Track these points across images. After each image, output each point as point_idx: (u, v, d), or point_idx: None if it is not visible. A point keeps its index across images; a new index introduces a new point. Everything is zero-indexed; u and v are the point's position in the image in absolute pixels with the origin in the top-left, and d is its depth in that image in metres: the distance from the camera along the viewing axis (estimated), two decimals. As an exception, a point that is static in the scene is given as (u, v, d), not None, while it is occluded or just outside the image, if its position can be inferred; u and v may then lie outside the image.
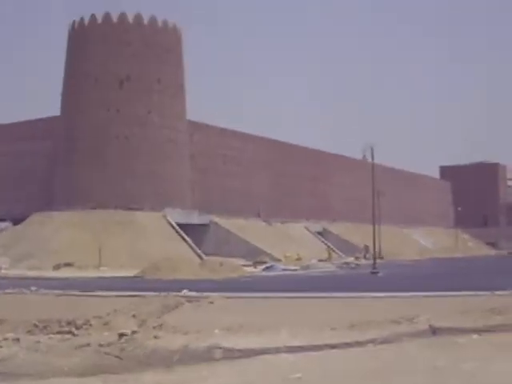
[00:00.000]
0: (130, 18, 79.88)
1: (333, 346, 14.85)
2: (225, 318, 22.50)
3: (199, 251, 72.60)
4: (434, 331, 16.40)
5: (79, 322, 20.43)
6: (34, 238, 72.61)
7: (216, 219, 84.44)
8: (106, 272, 58.49)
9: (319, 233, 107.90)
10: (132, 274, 52.29)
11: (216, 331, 18.58)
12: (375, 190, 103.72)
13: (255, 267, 65.94)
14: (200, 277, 49.26)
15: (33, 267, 63.26)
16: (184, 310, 25.91)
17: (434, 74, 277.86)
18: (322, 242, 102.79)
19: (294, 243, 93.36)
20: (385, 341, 15.53)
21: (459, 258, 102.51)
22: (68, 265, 63.66)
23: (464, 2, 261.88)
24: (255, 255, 76.91)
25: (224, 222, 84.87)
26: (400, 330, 17.14)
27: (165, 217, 76.81)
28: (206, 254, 72.66)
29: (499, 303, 21.24)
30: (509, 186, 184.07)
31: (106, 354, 13.91)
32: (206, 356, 13.62)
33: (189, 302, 29.02)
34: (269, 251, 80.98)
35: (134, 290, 34.48)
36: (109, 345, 15.01)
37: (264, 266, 64.14)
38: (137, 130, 78.30)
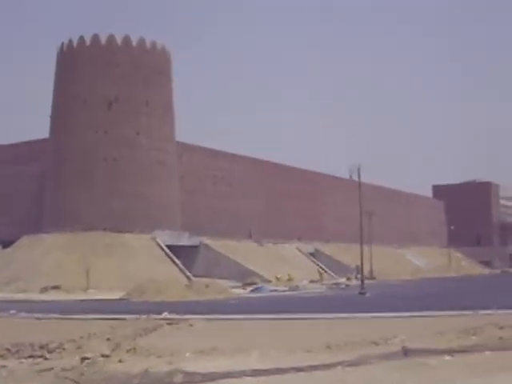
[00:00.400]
0: (119, 39, 79.84)
1: (299, 369, 14.53)
2: (201, 340, 22.25)
3: (188, 273, 72.17)
4: (406, 353, 16.11)
5: (52, 346, 20.17)
6: (22, 260, 72.12)
7: (206, 241, 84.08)
8: (94, 295, 58.02)
9: (311, 253, 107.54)
10: (118, 297, 51.86)
11: (187, 354, 18.32)
12: (364, 209, 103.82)
13: (244, 289, 65.54)
14: (186, 299, 48.89)
15: (20, 290, 62.82)
16: (162, 333, 25.61)
17: (428, 93, 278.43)
18: (314, 262, 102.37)
19: (286, 264, 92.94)
20: (353, 363, 15.23)
21: (451, 277, 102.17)
22: (55, 287, 63.12)
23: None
24: (246, 276, 76.55)
25: (214, 243, 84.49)
26: (372, 351, 16.87)
27: (154, 239, 76.43)
28: (197, 276, 72.20)
29: (479, 323, 20.97)
30: (502, 205, 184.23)
31: (65, 378, 13.58)
32: (166, 380, 13.31)
33: (169, 324, 28.74)
34: (260, 272, 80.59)
35: (116, 313, 34.10)
36: (72, 369, 14.72)
37: (252, 288, 63.76)
38: (125, 151, 78.05)
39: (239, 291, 62.05)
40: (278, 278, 79.73)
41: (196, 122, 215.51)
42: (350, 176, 60.27)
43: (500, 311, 29.55)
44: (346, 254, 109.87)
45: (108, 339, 21.56)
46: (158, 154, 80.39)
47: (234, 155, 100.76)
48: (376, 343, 18.63)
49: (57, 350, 19.44)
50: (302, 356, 17.00)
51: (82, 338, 21.30)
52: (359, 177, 58.94)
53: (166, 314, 31.19)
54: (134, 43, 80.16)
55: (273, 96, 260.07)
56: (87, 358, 15.18)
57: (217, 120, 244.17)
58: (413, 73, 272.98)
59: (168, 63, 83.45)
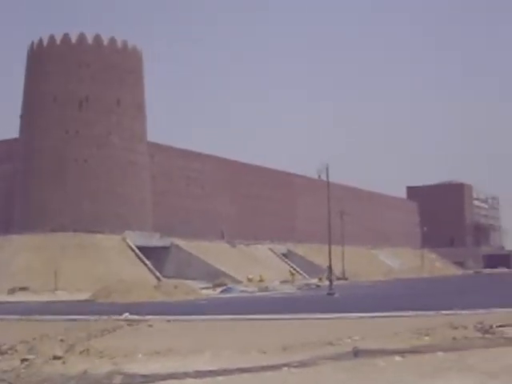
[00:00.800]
0: (90, 38, 79.30)
1: (245, 370, 14.32)
2: (158, 341, 22.06)
3: (158, 274, 71.79)
4: (356, 353, 15.93)
5: (4, 348, 19.84)
6: (-9, 261, 71.43)
7: (177, 242, 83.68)
8: (61, 296, 57.49)
9: (284, 254, 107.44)
10: (84, 298, 51.40)
11: (140, 356, 18.11)
12: (336, 209, 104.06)
13: (214, 290, 65.24)
14: (154, 300, 48.52)
15: (-12, 291, 62.15)
16: (120, 334, 25.34)
17: (405, 94, 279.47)
18: (286, 263, 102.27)
19: (258, 265, 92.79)
20: (302, 364, 15.04)
21: (424, 278, 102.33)
22: (23, 289, 62.50)
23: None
24: (217, 277, 76.25)
25: (186, 244, 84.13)
26: (324, 352, 16.69)
27: (124, 239, 75.95)
28: (168, 277, 71.87)
29: (436, 323, 20.87)
30: (475, 206, 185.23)
31: (1, 380, 13.29)
32: (104, 382, 13.04)
33: (129, 325, 28.49)
34: (231, 273, 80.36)
35: (79, 314, 33.81)
36: (12, 370, 14.43)
37: (222, 289, 63.49)
38: (96, 151, 77.52)
39: (209, 292, 61.76)
40: (249, 279, 79.52)
41: (170, 122, 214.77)
42: (319, 176, 60.11)
43: (462, 311, 29.61)
44: (319, 254, 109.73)
45: (61, 340, 21.28)
46: (130, 154, 79.91)
47: (207, 156, 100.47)
48: (331, 344, 18.48)
49: (9, 352, 19.13)
50: (255, 357, 16.82)
51: (34, 339, 20.97)
52: (327, 176, 58.83)
53: (126, 315, 30.89)
54: (105, 42, 79.64)
55: (249, 96, 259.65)
56: (26, 360, 14.86)
57: (191, 121, 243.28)
58: (389, 73, 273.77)
59: (139, 63, 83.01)
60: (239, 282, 75.81)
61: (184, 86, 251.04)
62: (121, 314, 31.86)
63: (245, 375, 13.94)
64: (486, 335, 18.32)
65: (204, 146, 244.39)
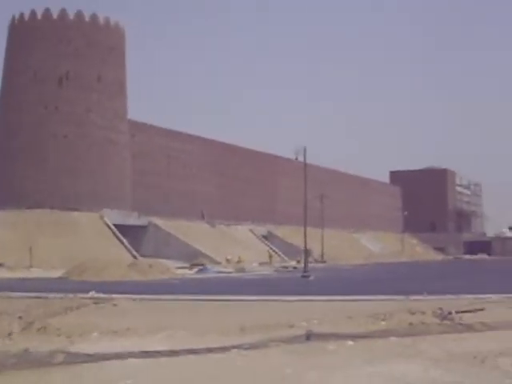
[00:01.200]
0: (71, 15, 78.55)
1: (192, 352, 14.12)
2: (119, 320, 21.89)
3: (135, 253, 71.57)
4: (309, 337, 15.76)
5: (-40, 324, 19.62)
6: (-33, 237, 70.93)
7: (156, 221, 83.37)
8: (36, 273, 57.16)
9: (264, 236, 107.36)
10: (58, 275, 51.10)
11: (94, 334, 17.93)
12: (317, 192, 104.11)
13: (191, 269, 65.09)
14: (128, 279, 48.25)
15: (-38, 267, 61.72)
16: (82, 312, 25.10)
17: (385, 79, 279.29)
18: (266, 245, 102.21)
19: (238, 246, 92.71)
20: (253, 346, 14.86)
21: (403, 262, 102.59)
22: (-2, 265, 62.17)
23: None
24: (195, 257, 76.18)
25: (164, 223, 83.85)
26: (279, 334, 16.52)
27: (102, 217, 75.60)
28: (145, 256, 71.63)
29: (398, 308, 20.76)
30: (458, 193, 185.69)
31: None
32: (45, 360, 12.79)
33: (95, 303, 28.32)
34: (210, 253, 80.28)
35: (48, 291, 33.52)
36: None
37: (197, 269, 63.35)
38: (75, 128, 77.03)
39: (185, 272, 61.59)
40: (228, 260, 79.49)
41: (154, 101, 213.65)
42: (296, 157, 59.91)
43: (430, 297, 29.55)
44: (299, 236, 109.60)
45: (20, 317, 21.06)
46: (110, 132, 79.43)
47: (188, 135, 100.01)
48: (289, 326, 18.31)
49: (-35, 328, 18.92)
50: (209, 338, 16.62)
51: (-9, 316, 20.75)
52: (304, 158, 58.64)
53: (92, 293, 30.70)
54: (87, 19, 78.92)
55: (233, 76, 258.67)
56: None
57: (175, 99, 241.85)
58: (374, 62, 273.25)
59: (122, 40, 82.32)
60: (217, 263, 75.77)
61: (171, 67, 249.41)
62: (87, 292, 31.71)
63: (191, 356, 13.74)
64: (444, 321, 18.20)
65: (188, 126, 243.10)
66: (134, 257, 69.11)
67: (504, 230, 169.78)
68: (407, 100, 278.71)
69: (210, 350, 14.30)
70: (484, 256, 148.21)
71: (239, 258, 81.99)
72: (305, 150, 56.62)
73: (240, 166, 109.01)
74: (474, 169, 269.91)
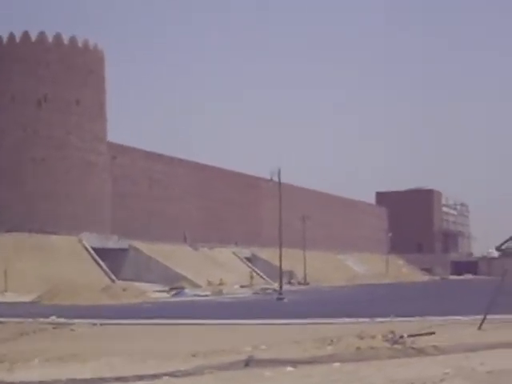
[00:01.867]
0: (50, 37, 78.27)
1: (121, 379, 13.68)
2: (69, 345, 21.67)
3: (113, 277, 70.88)
4: (248, 363, 15.31)
5: None
6: None
7: (136, 244, 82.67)
8: (9, 297, 56.51)
9: (248, 258, 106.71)
10: (30, 299, 50.50)
11: (36, 361, 17.61)
12: (299, 214, 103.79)
13: (169, 293, 64.50)
14: (100, 302, 47.75)
15: None
16: (37, 338, 24.83)
17: (368, 99, 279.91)
18: (249, 267, 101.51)
19: (221, 268, 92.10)
20: (185, 373, 14.42)
21: (387, 284, 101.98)
22: (-25, 289, 61.48)
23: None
24: (175, 281, 75.45)
25: (144, 247, 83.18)
26: (219, 360, 16.08)
27: (81, 241, 74.95)
28: (125, 280, 71.05)
29: (355, 331, 20.32)
30: (444, 213, 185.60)
31: None
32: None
33: (54, 328, 28.00)
34: (191, 277, 79.61)
35: (14, 316, 33.16)
36: None
37: (174, 292, 62.79)
38: (54, 151, 76.52)
39: (163, 295, 61.02)
40: (209, 283, 78.92)
41: (136, 124, 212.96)
42: (271, 178, 59.69)
43: (396, 319, 29.13)
44: (284, 259, 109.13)
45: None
46: (89, 154, 78.93)
47: (171, 158, 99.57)
48: (237, 352, 17.86)
49: None
50: (150, 364, 16.24)
51: None
52: (279, 178, 58.45)
53: (53, 318, 30.24)
54: (66, 41, 78.66)
55: (217, 96, 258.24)
56: None
57: (157, 122, 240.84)
58: (351, 73, 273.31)
59: (101, 63, 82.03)
60: (198, 286, 75.13)
61: (154, 89, 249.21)
62: (59, 317, 31.53)
63: (118, 384, 13.33)
64: (395, 345, 17.76)
65: (171, 149, 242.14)
66: (113, 281, 68.43)
67: (490, 250, 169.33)
68: (394, 121, 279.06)
69: (140, 378, 13.87)
70: (470, 276, 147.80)
71: (221, 280, 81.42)
72: (279, 172, 56.40)
73: (223, 188, 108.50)
74: (461, 189, 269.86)
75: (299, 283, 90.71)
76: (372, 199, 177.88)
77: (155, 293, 61.75)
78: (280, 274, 61.08)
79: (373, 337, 18.34)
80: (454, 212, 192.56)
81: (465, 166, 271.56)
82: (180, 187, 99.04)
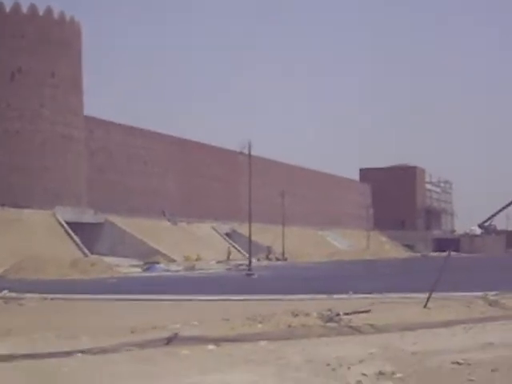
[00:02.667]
0: (25, 8, 77.16)
1: (31, 356, 13.27)
2: (11, 320, 21.30)
3: (87, 251, 70.36)
4: (169, 340, 14.90)
5: None
6: None
7: (112, 218, 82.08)
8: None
9: (228, 234, 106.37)
10: (-2, 274, 50.05)
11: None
12: (278, 189, 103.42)
13: (142, 268, 64.07)
14: (67, 277, 47.36)
15: None
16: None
17: (357, 75, 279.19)
18: (229, 242, 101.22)
19: (199, 244, 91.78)
20: (101, 351, 14.00)
21: (365, 260, 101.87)
22: None
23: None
24: (151, 256, 75.08)
25: (121, 221, 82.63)
26: (146, 337, 15.67)
27: (54, 215, 74.31)
28: (100, 254, 70.57)
29: (302, 308, 19.91)
30: (428, 190, 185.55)
31: None
32: None
33: (5, 303, 27.71)
34: (168, 252, 79.30)
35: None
36: None
37: (145, 267, 62.41)
38: (28, 124, 75.65)
39: (133, 270, 60.61)
40: (186, 258, 78.62)
41: (116, 98, 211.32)
42: (240, 151, 59.16)
43: (354, 295, 28.91)
44: (264, 234, 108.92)
45: None
46: (64, 128, 78.07)
47: (150, 132, 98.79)
48: (164, 328, 17.38)
49: None
50: (79, 341, 15.80)
51: None
52: (249, 153, 58.00)
53: (5, 292, 29.87)
54: (41, 13, 77.58)
55: (198, 65, 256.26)
56: None
57: (137, 96, 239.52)
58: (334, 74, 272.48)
59: (77, 35, 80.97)
60: (174, 261, 74.83)
61: (133, 61, 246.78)
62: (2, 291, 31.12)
63: (25, 362, 12.92)
64: (329, 323, 17.39)
65: (150, 123, 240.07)
66: (86, 255, 67.94)
67: (473, 227, 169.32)
68: (378, 98, 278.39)
69: (52, 355, 13.45)
70: (451, 254, 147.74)
71: (198, 255, 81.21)
72: (250, 144, 55.91)
73: (203, 163, 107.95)
74: (445, 167, 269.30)
75: (277, 259, 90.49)
76: (356, 176, 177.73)
77: (126, 267, 61.30)
78: (249, 250, 60.96)
79: (307, 314, 17.95)
80: (438, 189, 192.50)
81: (449, 143, 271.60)
82: (159, 162, 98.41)
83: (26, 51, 76.10)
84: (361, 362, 12.96)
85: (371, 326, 17.41)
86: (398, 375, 11.70)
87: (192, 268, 63.12)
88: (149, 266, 63.04)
